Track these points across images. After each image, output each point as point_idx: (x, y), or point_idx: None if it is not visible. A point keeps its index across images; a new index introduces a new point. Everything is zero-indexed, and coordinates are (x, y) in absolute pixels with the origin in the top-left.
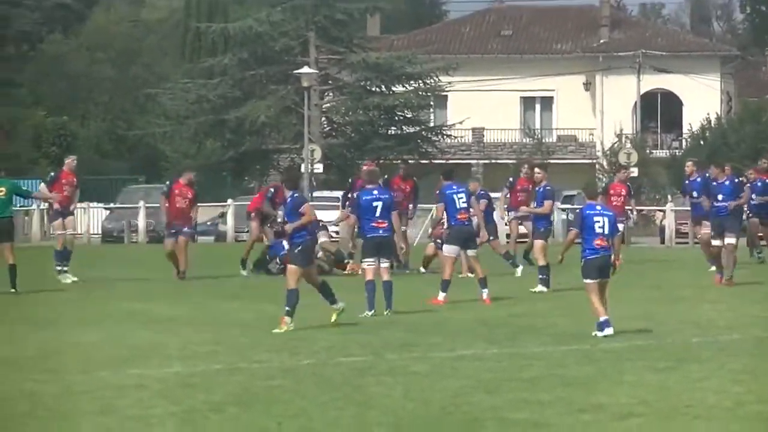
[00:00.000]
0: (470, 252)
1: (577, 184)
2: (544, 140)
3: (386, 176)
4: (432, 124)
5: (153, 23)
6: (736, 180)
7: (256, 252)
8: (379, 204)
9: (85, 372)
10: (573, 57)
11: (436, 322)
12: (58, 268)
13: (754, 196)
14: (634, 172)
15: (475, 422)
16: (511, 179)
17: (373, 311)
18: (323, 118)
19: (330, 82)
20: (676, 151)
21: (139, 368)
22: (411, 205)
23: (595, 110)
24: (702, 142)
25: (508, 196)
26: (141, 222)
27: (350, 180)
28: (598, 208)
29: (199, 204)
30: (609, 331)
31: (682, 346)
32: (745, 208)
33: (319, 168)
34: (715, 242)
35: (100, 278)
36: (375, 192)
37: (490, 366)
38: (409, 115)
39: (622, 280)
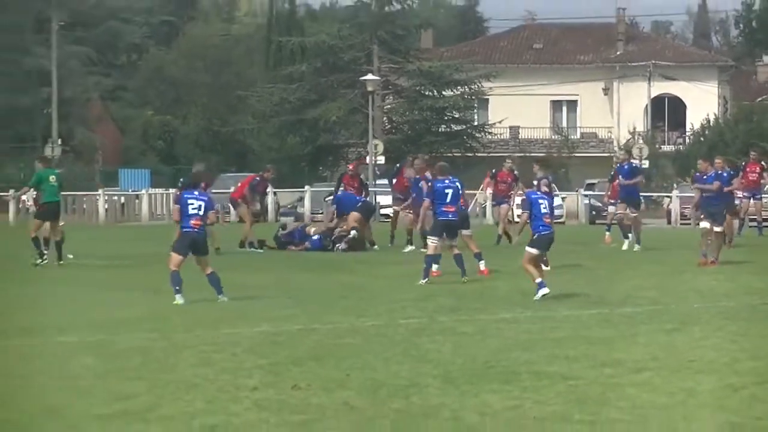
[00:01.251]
0: (465, 232)
1: (597, 174)
2: (569, 137)
3: (492, 170)
4: (475, 123)
5: (242, 37)
6: (725, 174)
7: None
8: (450, 191)
9: (187, 331)
10: (593, 67)
11: (481, 290)
12: None
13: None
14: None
15: (513, 375)
16: (493, 170)
17: (426, 280)
18: (384, 118)
19: (390, 87)
20: (681, 146)
21: (232, 328)
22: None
23: (612, 111)
24: (702, 139)
25: (491, 185)
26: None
27: (397, 166)
28: (540, 192)
29: (281, 190)
30: (545, 290)
31: (686, 312)
32: (739, 193)
33: (381, 159)
34: (704, 224)
35: None
36: (446, 181)
37: (526, 327)
38: (456, 115)
39: (635, 257)
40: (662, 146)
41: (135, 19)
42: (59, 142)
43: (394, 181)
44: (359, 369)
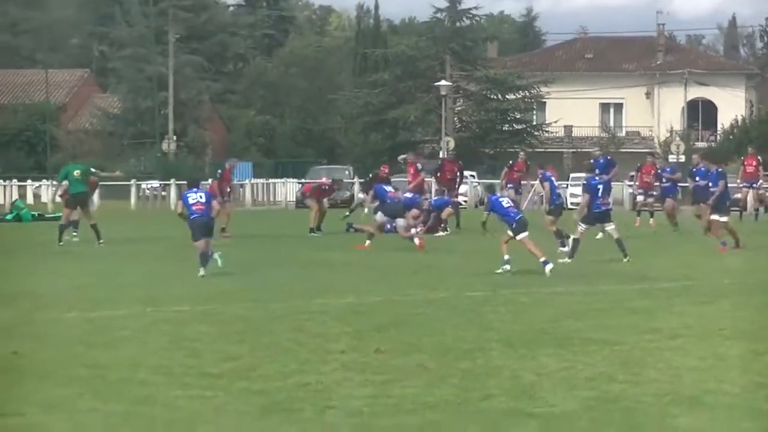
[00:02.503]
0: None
1: None
2: (616, 135)
3: (510, 162)
4: (534, 123)
5: (332, 48)
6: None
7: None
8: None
9: (282, 301)
10: (637, 74)
11: (537, 267)
12: None
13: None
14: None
15: (566, 340)
16: (510, 162)
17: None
18: (455, 118)
19: (460, 91)
20: (712, 143)
21: (321, 299)
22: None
23: (653, 113)
24: (731, 137)
25: (507, 173)
26: None
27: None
28: (498, 194)
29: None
30: (507, 266)
31: (716, 287)
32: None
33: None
34: (714, 216)
35: (291, 234)
36: (597, 178)
37: (577, 299)
38: (517, 116)
39: (672, 240)
40: (696, 143)
41: (241, 32)
42: (174, 138)
43: (438, 175)
44: (431, 335)
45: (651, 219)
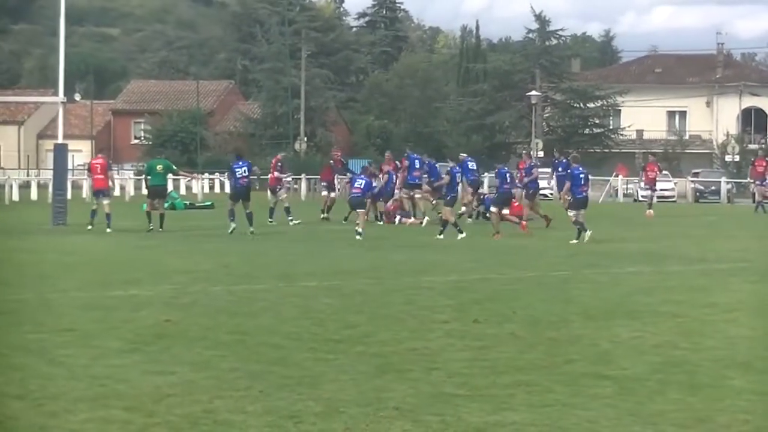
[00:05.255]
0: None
1: (700, 165)
2: (682, 138)
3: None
4: (611, 127)
5: (440, 63)
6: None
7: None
8: (583, 175)
9: (396, 278)
10: (700, 86)
11: (613, 250)
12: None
13: None
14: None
15: (636, 313)
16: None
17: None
18: (544, 123)
19: (548, 100)
20: (763, 145)
21: (429, 276)
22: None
23: (713, 119)
24: None
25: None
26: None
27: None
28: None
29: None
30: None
31: (767, 267)
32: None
33: (540, 154)
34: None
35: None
36: (580, 168)
37: (646, 278)
38: (596, 122)
39: (732, 227)
40: (749, 145)
41: (362, 49)
42: (305, 139)
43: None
44: (522, 308)
45: (648, 210)
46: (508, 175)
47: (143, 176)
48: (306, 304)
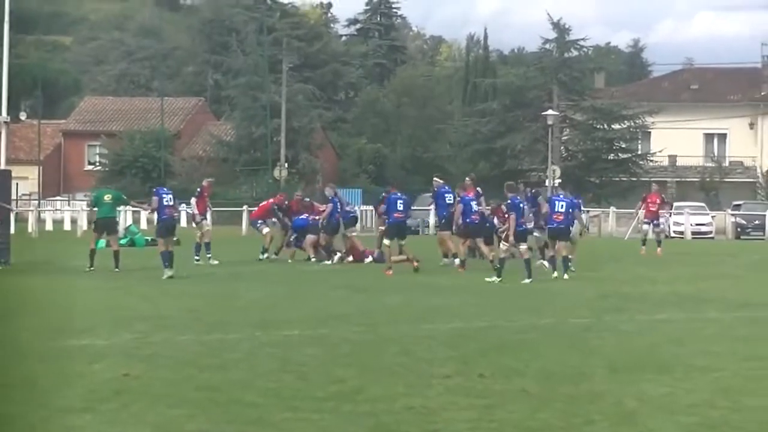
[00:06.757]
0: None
1: (742, 197)
2: (722, 165)
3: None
4: (639, 152)
5: (442, 78)
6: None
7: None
8: (563, 203)
9: (390, 325)
10: (742, 105)
11: (641, 294)
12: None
13: None
14: None
15: (667, 367)
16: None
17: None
18: (562, 147)
19: (567, 120)
20: None
21: (429, 323)
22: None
23: (757, 143)
24: None
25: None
26: (431, 219)
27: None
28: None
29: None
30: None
31: None
32: None
33: (558, 182)
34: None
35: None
36: (561, 196)
37: (678, 326)
38: (623, 145)
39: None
40: None
41: (353, 61)
42: (286, 165)
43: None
44: (535, 360)
45: (642, 247)
46: (474, 203)
47: (89, 207)
48: (286, 356)
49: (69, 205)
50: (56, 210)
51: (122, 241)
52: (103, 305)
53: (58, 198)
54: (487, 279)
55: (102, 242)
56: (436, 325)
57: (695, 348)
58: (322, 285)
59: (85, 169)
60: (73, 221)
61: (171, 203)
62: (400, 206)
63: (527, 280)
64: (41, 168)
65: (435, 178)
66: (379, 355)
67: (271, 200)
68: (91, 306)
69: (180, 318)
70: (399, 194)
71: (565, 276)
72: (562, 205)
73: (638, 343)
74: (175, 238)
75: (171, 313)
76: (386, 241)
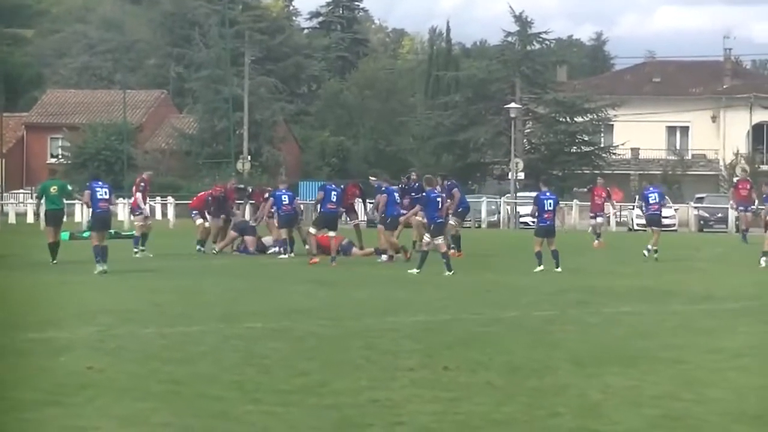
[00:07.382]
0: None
1: (705, 189)
2: (684, 157)
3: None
4: (602, 145)
5: (405, 71)
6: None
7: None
8: (551, 201)
9: (355, 319)
10: (704, 98)
11: (605, 287)
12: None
13: None
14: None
15: (632, 359)
16: None
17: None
18: (525, 140)
19: (530, 113)
20: None
21: (393, 317)
22: None
23: (719, 136)
24: None
25: None
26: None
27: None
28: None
29: None
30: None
31: None
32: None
33: (521, 176)
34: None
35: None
36: (548, 193)
37: (642, 319)
38: (585, 138)
39: (738, 259)
40: (761, 166)
41: (315, 54)
42: (249, 158)
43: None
44: (500, 353)
45: (596, 240)
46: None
47: (36, 200)
48: (250, 349)
49: (32, 198)
50: (19, 203)
51: (85, 234)
52: (66, 299)
53: (21, 191)
54: (409, 271)
55: (66, 234)
56: (400, 318)
57: (659, 341)
58: (288, 279)
59: (48, 161)
60: (36, 214)
61: (106, 197)
62: (333, 197)
63: (415, 271)
64: (3, 161)
65: (371, 177)
66: (344, 349)
67: (209, 191)
68: (54, 299)
69: (144, 311)
70: (333, 185)
71: (558, 269)
72: (550, 203)
73: (603, 335)
74: (112, 231)
75: (135, 307)
76: (312, 230)
